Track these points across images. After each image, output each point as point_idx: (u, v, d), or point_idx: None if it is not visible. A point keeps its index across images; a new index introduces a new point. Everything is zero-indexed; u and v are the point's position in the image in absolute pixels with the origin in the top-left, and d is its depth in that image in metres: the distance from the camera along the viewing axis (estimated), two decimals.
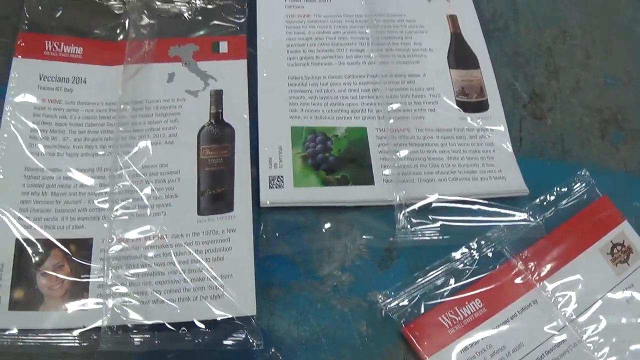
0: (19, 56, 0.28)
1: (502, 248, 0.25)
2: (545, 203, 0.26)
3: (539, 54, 0.32)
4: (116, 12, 0.30)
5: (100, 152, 0.26)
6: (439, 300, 0.23)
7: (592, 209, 0.26)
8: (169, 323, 0.22)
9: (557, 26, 0.33)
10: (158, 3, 0.30)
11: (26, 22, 0.29)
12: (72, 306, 0.23)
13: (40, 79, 0.27)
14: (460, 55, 0.30)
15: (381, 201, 0.25)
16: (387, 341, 0.23)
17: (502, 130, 0.28)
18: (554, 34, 0.33)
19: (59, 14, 0.29)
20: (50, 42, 0.28)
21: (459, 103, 0.28)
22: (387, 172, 0.25)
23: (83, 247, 0.24)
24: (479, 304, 0.23)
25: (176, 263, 0.23)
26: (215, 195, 0.24)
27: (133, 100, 0.27)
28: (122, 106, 0.27)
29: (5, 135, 0.26)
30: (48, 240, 0.24)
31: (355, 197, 0.25)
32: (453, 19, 0.31)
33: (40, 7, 0.29)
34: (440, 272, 0.24)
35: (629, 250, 0.25)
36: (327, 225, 0.25)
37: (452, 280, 0.24)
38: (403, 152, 0.26)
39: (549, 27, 0.33)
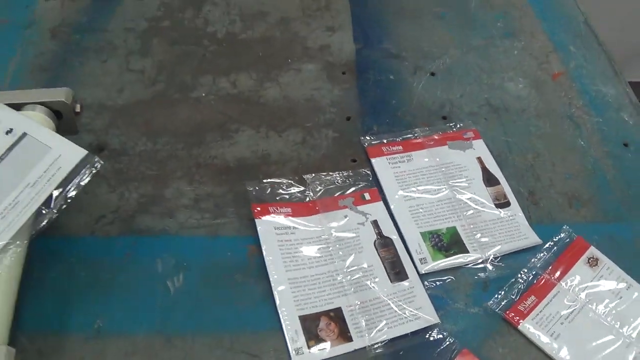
0: (260, 217, 0.78)
1: (537, 268, 0.76)
2: (552, 244, 0.78)
3: (527, 169, 0.86)
4: (300, 185, 0.81)
5: (329, 261, 0.75)
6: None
7: (575, 243, 0.78)
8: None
9: (535, 152, 0.88)
10: (322, 175, 0.81)
11: (255, 199, 0.79)
12: (344, 342, 0.71)
13: (275, 228, 0.78)
14: (488, 178, 0.83)
15: (473, 262, 0.76)
16: None
17: (520, 214, 0.80)
18: (533, 157, 0.88)
19: (269, 193, 0.80)
20: (272, 208, 0.78)
21: (495, 205, 0.81)
22: (472, 244, 0.77)
23: (337, 311, 0.72)
24: (533, 298, 0.74)
25: (393, 306, 0.73)
26: (396, 273, 0.75)
27: (330, 228, 0.77)
28: (324, 235, 0.77)
29: (270, 258, 0.75)
30: (317, 313, 0.72)
31: (460, 261, 0.76)
32: (480, 159, 0.84)
33: (264, 192, 0.80)
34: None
35: (597, 260, 0.78)
36: (446, 278, 0.76)
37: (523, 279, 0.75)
38: (477, 235, 0.78)
39: (530, 153, 0.88)
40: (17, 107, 0.72)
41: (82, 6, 1.06)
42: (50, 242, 0.68)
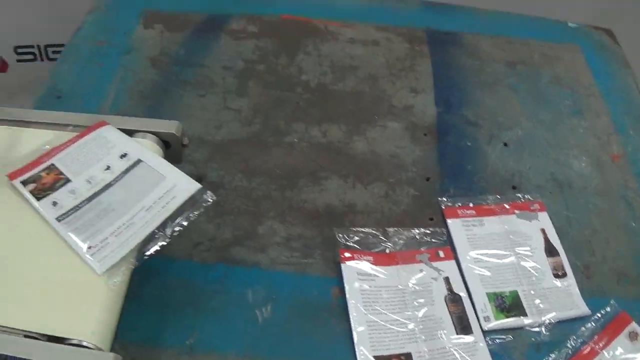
0: (345, 262, 0.98)
1: (584, 337, 0.96)
2: (599, 315, 0.98)
3: (584, 244, 1.06)
4: (383, 237, 1.01)
5: (403, 310, 0.96)
6: None
7: (619, 317, 0.98)
8: None
9: (592, 228, 1.08)
10: (403, 230, 1.02)
11: (343, 245, 0.99)
12: None
13: (358, 273, 0.98)
14: (549, 250, 1.03)
15: (530, 325, 0.96)
16: None
17: (574, 286, 1.00)
18: (590, 233, 1.08)
19: (355, 240, 1.00)
20: (357, 255, 0.99)
21: (553, 275, 1.01)
22: (531, 308, 0.97)
23: (407, 356, 0.92)
24: None
25: (457, 357, 0.92)
26: (462, 327, 0.94)
27: (406, 279, 0.97)
28: (401, 286, 0.98)
29: (352, 301, 0.95)
30: (390, 355, 0.92)
31: (519, 323, 0.96)
32: (543, 231, 1.04)
33: (351, 240, 1.00)
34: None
35: (637, 335, 0.97)
36: (505, 336, 0.95)
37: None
38: (536, 301, 0.98)
39: (588, 229, 1.08)
40: (129, 132, 0.89)
41: (180, 39, 1.27)
42: (150, 260, 0.76)
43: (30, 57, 2.05)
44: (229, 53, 1.24)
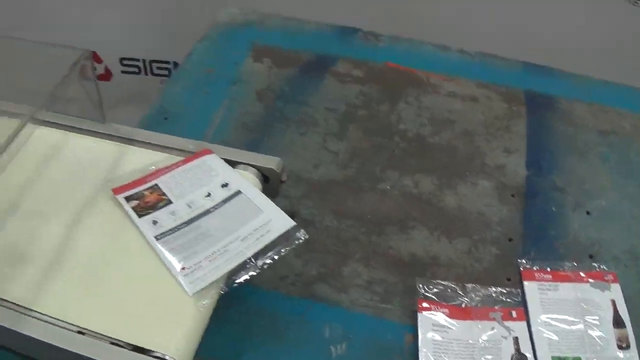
0: (422, 312, 1.12)
1: None
2: None
3: None
4: (461, 292, 1.14)
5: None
6: None
7: None
8: None
9: None
10: (481, 287, 1.15)
11: (422, 295, 1.13)
12: None
13: (433, 324, 1.11)
14: (617, 321, 1.15)
15: None
16: None
17: (635, 356, 1.10)
18: None
19: (434, 292, 1.14)
20: (434, 306, 1.12)
21: (617, 346, 1.13)
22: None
23: None
24: None
25: None
26: None
27: (478, 335, 1.10)
28: (471, 340, 1.11)
29: (424, 350, 1.08)
30: None
31: None
32: (613, 302, 1.16)
33: (430, 291, 1.14)
34: None
35: None
36: None
37: None
38: None
39: None
40: (232, 163, 1.00)
41: (287, 75, 1.42)
42: (238, 287, 0.82)
43: (135, 70, 2.24)
44: (333, 95, 1.38)
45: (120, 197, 0.89)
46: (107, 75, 2.28)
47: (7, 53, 1.18)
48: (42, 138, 0.98)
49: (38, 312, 0.76)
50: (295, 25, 1.60)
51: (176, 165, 0.95)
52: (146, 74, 2.18)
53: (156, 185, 0.92)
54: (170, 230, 0.86)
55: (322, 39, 1.55)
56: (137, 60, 2.17)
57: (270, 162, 0.98)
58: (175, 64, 2.20)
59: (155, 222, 0.87)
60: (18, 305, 0.77)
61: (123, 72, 2.20)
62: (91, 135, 1.01)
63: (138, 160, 0.97)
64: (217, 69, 1.46)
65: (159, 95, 1.39)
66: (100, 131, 1.01)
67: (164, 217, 0.88)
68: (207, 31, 1.58)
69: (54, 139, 0.99)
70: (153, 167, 0.95)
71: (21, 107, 0.97)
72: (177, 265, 0.82)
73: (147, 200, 0.89)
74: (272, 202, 0.91)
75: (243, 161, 0.98)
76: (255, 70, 1.46)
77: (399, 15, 1.88)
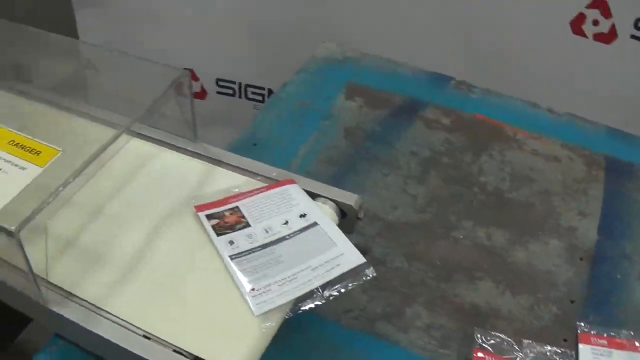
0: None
1: None
2: None
3: None
4: (517, 346, 1.22)
5: None
6: None
7: None
8: None
9: None
10: (537, 344, 1.22)
11: (478, 345, 1.21)
12: None
13: None
14: None
15: None
16: None
17: None
18: None
19: (491, 343, 1.22)
20: (489, 357, 1.20)
21: None
22: None
23: None
24: None
25: None
26: None
27: None
28: None
29: None
30: None
31: None
32: None
33: (487, 342, 1.22)
34: None
35: None
36: None
37: None
38: None
39: None
40: (312, 195, 1.06)
41: (378, 116, 1.51)
42: (301, 314, 0.85)
43: (230, 92, 2.35)
44: (419, 139, 1.46)
45: (202, 215, 0.96)
46: (202, 94, 2.41)
47: (111, 65, 1.29)
48: (135, 149, 1.06)
49: (108, 312, 0.82)
50: (391, 67, 1.68)
51: (259, 190, 1.00)
52: (240, 97, 2.26)
53: (237, 207, 0.98)
54: (246, 251, 0.91)
55: (415, 83, 1.62)
56: (233, 82, 2.26)
57: (350, 198, 1.02)
58: (270, 91, 2.31)
59: (231, 242, 0.92)
60: (90, 303, 0.83)
61: (218, 92, 2.37)
62: (181, 152, 1.08)
63: (223, 181, 1.03)
64: (310, 102, 1.55)
65: (251, 120, 1.49)
66: (190, 149, 1.08)
67: (241, 239, 0.93)
68: (304, 64, 1.67)
69: (145, 151, 1.07)
70: (237, 189, 1.00)
71: (119, 117, 1.03)
72: (247, 286, 0.86)
73: (226, 221, 0.95)
74: (346, 237, 0.95)
75: (323, 194, 1.02)
76: (346, 107, 1.54)
77: (493, 69, 1.96)
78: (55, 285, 0.86)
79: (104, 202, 0.98)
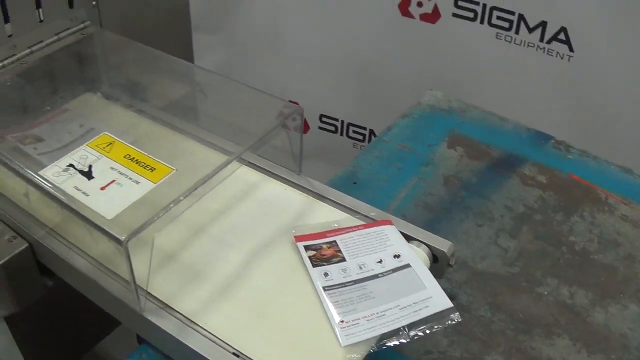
0: None
1: None
2: None
3: None
4: None
5: None
6: None
7: None
8: None
9: None
10: None
11: None
12: None
13: None
14: None
15: None
16: None
17: None
18: None
19: None
20: None
21: None
22: None
23: None
24: None
25: None
26: None
27: None
28: None
29: None
30: None
31: None
32: None
33: None
34: None
35: None
36: None
37: None
38: None
39: None
40: (407, 237, 1.15)
41: (476, 167, 1.62)
42: (384, 350, 0.90)
43: (332, 128, 2.47)
44: (514, 194, 1.55)
45: (300, 245, 1.03)
46: (304, 128, 2.58)
47: (222, 90, 1.42)
48: (241, 175, 1.14)
49: (201, 327, 0.90)
50: (494, 121, 1.78)
51: (357, 227, 1.07)
52: (341, 134, 2.36)
53: (335, 241, 1.05)
54: (339, 284, 0.98)
55: (515, 139, 1.72)
56: (336, 120, 2.36)
57: (443, 244, 1.08)
58: (371, 131, 2.42)
59: (326, 275, 0.99)
60: (185, 317, 0.91)
61: (320, 127, 2.49)
62: (285, 183, 1.17)
63: (322, 215, 1.10)
64: (412, 147, 1.66)
65: (349, 158, 1.62)
66: (294, 181, 1.17)
67: (335, 272, 1.00)
68: (410, 109, 1.79)
69: (251, 179, 1.17)
70: (335, 224, 1.07)
71: (230, 144, 1.15)
72: (337, 317, 0.93)
73: (323, 253, 1.02)
74: (436, 281, 1.00)
75: (418, 238, 1.09)
76: (447, 156, 1.65)
77: (592, 131, 2.06)
78: (154, 296, 0.94)
79: (207, 223, 1.07)
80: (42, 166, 1.10)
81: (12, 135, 1.21)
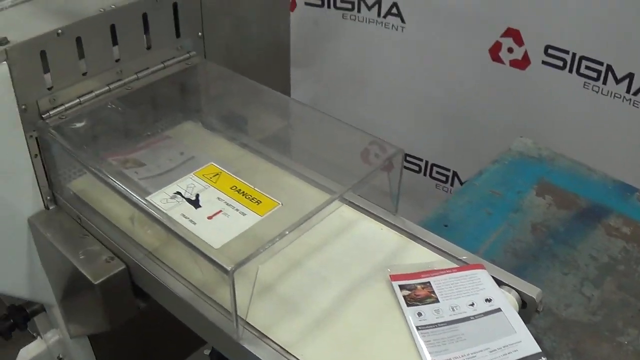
0: None
1: None
2: None
3: None
4: None
5: None
6: None
7: None
8: None
9: None
10: None
11: None
12: None
13: None
14: None
15: None
16: None
17: None
18: None
19: None
20: None
21: None
22: None
23: None
24: None
25: None
26: None
27: None
28: None
29: None
30: None
31: None
32: None
33: None
34: None
35: None
36: None
37: None
38: None
39: None
40: (497, 282, 1.19)
41: (563, 216, 1.71)
42: None
43: (416, 168, 2.56)
44: (599, 245, 1.63)
45: (396, 284, 1.05)
46: (389, 167, 2.70)
47: (324, 128, 1.47)
48: (338, 212, 1.16)
49: (297, 358, 0.92)
50: (581, 171, 1.86)
51: (450, 270, 1.10)
52: (425, 174, 2.43)
53: (429, 282, 1.07)
54: (432, 325, 1.00)
55: (602, 189, 1.79)
56: (420, 160, 2.42)
57: (533, 291, 1.09)
58: (454, 173, 2.39)
59: (420, 314, 1.01)
60: (281, 347, 0.94)
61: (405, 167, 2.59)
62: (380, 222, 1.20)
63: (417, 256, 1.13)
64: (501, 193, 1.76)
65: (434, 199, 1.75)
66: (389, 220, 1.20)
67: (429, 312, 1.02)
68: (499, 155, 1.89)
69: (349, 216, 1.19)
70: (430, 266, 1.09)
71: (333, 183, 1.20)
72: (428, 357, 0.94)
73: (417, 293, 1.04)
74: (525, 326, 1.01)
75: (508, 283, 1.10)
76: (535, 203, 1.74)
77: None
78: (252, 326, 0.97)
79: (305, 257, 1.10)
80: (145, 191, 1.14)
81: (113, 158, 1.26)
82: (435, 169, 2.43)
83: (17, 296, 1.37)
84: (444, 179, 2.43)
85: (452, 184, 2.39)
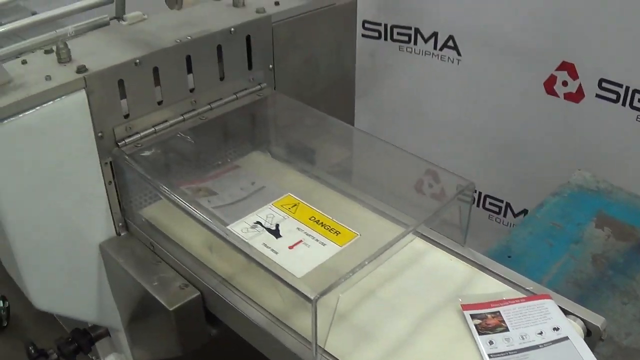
0: None
1: None
2: None
3: None
4: None
5: None
6: None
7: None
8: None
9: None
10: None
11: None
12: None
13: None
14: None
15: None
16: None
17: None
18: None
19: None
20: None
21: None
22: None
23: None
24: None
25: None
26: None
27: None
28: None
29: None
30: None
31: None
32: None
33: None
34: None
35: None
36: None
37: None
38: None
39: None
40: (563, 311, 1.09)
41: (622, 248, 1.73)
42: None
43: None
44: None
45: (467, 313, 1.07)
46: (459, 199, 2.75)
47: (394, 160, 1.50)
48: (411, 244, 1.19)
49: None
50: (638, 203, 1.91)
51: (519, 300, 1.10)
52: (478, 205, 2.47)
53: (499, 312, 1.08)
54: (503, 352, 1.01)
55: None
56: (474, 191, 2.60)
57: (598, 320, 1.09)
58: (507, 204, 2.43)
59: (491, 343, 1.02)
60: None
61: (459, 199, 2.67)
62: (450, 253, 1.22)
63: (486, 286, 1.15)
64: (562, 225, 1.81)
65: (506, 234, 1.82)
66: (458, 252, 1.21)
67: (499, 341, 1.03)
68: (559, 188, 1.95)
69: (419, 247, 1.21)
70: (499, 296, 1.11)
71: (406, 217, 1.22)
72: None
73: (488, 322, 1.05)
74: (592, 354, 1.01)
75: (574, 312, 1.10)
76: (595, 235, 1.73)
77: None
78: (329, 353, 0.99)
79: (378, 287, 1.12)
80: (220, 220, 1.17)
81: (186, 187, 1.29)
82: (488, 199, 2.46)
83: (85, 320, 1.41)
84: (497, 209, 2.45)
85: (504, 215, 2.41)
